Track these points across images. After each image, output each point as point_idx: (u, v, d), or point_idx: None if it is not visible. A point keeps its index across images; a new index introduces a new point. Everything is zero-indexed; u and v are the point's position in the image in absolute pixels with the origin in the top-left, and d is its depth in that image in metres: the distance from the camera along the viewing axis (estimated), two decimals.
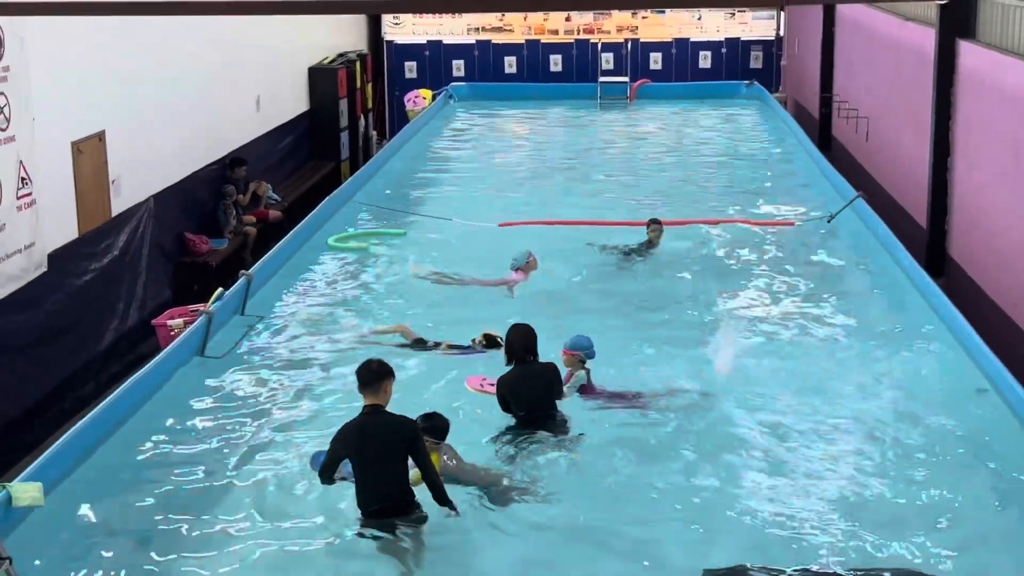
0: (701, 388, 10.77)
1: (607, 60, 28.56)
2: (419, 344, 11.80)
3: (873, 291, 13.66)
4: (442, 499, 8.29)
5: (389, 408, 8.31)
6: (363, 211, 17.51)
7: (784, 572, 7.81)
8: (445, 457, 8.87)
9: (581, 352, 10.40)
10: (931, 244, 15.79)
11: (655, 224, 15.37)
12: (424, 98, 26.50)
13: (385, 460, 8.12)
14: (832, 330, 12.35)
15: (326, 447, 8.63)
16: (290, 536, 8.38)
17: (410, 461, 8.21)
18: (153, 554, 8.17)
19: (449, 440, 9.02)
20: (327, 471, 8.36)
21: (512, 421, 9.77)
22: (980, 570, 8.02)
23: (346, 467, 8.38)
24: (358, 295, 13.80)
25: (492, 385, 10.33)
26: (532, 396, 9.78)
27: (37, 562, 7.97)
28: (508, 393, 9.77)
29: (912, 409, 10.34)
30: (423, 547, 8.19)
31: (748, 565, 7.90)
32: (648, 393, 10.55)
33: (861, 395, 10.67)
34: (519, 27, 28.85)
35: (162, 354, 11.19)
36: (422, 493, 8.33)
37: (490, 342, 11.56)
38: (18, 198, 12.18)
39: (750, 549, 8.18)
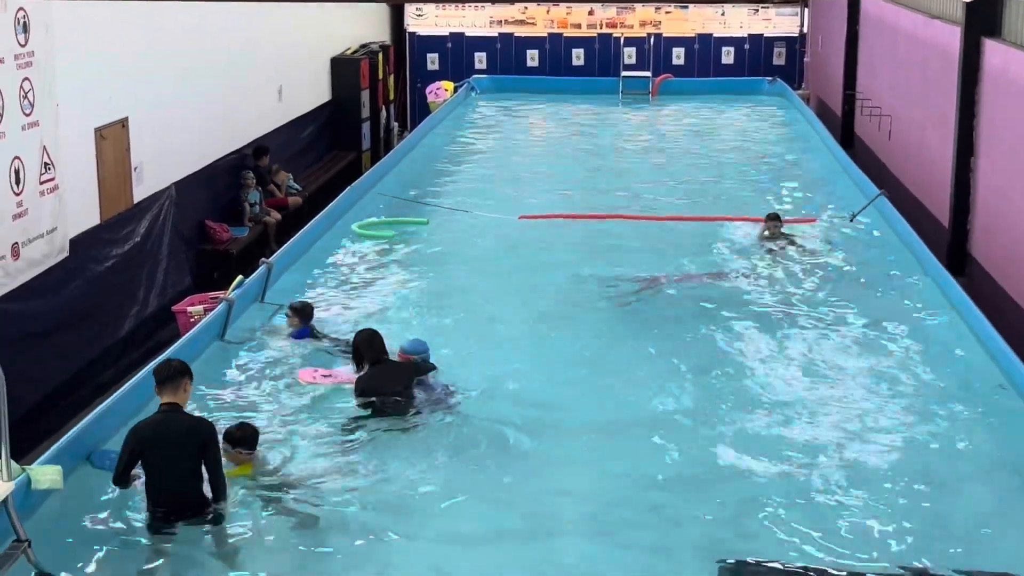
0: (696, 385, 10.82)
1: (629, 55, 28.51)
2: None
3: (894, 289, 13.61)
4: (219, 501, 8.26)
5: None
6: (383, 202, 17.51)
7: (797, 568, 7.81)
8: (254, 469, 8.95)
9: (416, 356, 10.53)
10: (953, 243, 15.73)
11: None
12: (446, 90, 26.51)
13: (177, 460, 8.13)
14: (852, 328, 12.30)
15: (327, 431, 9.07)
16: (307, 515, 8.42)
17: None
18: (167, 537, 8.19)
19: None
20: (124, 472, 8.32)
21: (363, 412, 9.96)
22: (997, 566, 8.00)
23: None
24: (378, 283, 13.81)
25: (325, 376, 10.61)
26: (397, 395, 10.03)
27: (55, 544, 8.00)
28: (371, 392, 9.97)
29: (932, 407, 10.31)
30: (213, 547, 8.19)
31: (755, 560, 7.89)
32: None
33: (881, 393, 10.63)
34: (542, 20, 28.82)
35: (182, 340, 11.21)
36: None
37: None
38: (41, 183, 12.23)
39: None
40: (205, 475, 8.26)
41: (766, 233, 15.36)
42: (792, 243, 15.16)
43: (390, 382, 10.11)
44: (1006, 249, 14.09)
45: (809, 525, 8.38)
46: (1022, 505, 8.84)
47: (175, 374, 8.43)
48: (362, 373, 10.20)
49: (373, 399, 10.00)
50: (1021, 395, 10.37)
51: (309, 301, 12.29)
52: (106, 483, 8.73)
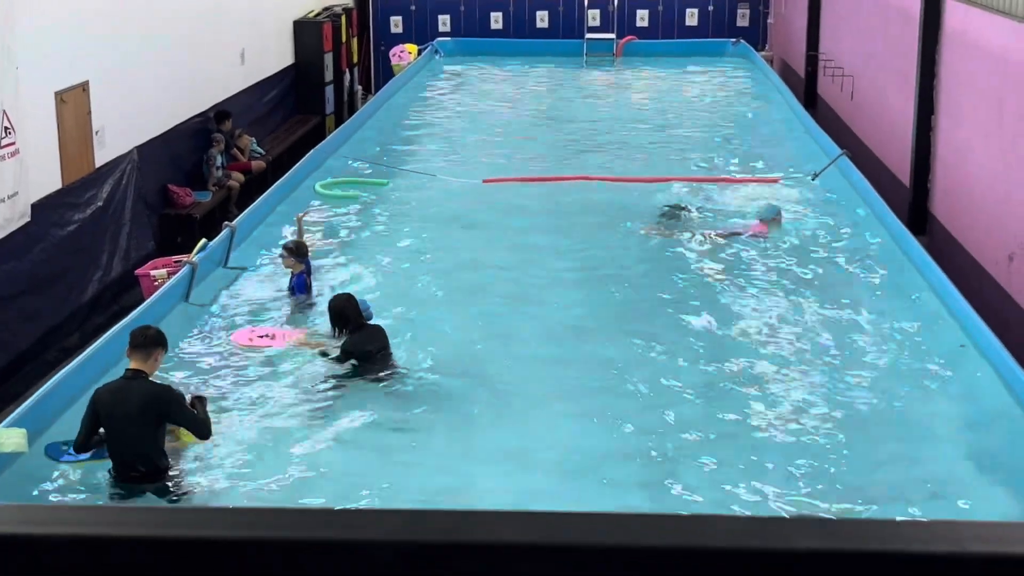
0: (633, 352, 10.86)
1: (593, 17, 28.45)
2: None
3: (855, 249, 13.70)
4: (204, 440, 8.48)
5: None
6: (347, 165, 17.48)
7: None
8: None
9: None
10: (914, 202, 15.84)
11: None
12: (410, 53, 26.38)
13: (138, 426, 8.12)
14: (813, 287, 12.39)
15: (292, 397, 9.07)
16: (272, 478, 8.45)
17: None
18: (129, 500, 8.21)
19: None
20: (85, 437, 8.27)
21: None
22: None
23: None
24: (340, 247, 13.80)
25: (262, 338, 10.64)
26: (380, 355, 10.26)
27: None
28: (358, 354, 10.11)
29: (893, 366, 10.41)
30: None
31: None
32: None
33: (842, 351, 10.72)
34: None
35: (146, 303, 11.19)
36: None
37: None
38: (1, 147, 12.14)
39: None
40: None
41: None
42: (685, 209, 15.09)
43: (375, 343, 10.29)
44: (966, 207, 14.21)
45: (765, 478, 8.48)
46: (982, 460, 8.95)
47: (149, 343, 8.35)
48: (347, 337, 10.27)
49: (359, 359, 10.13)
50: (982, 353, 10.47)
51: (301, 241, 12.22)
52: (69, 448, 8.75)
